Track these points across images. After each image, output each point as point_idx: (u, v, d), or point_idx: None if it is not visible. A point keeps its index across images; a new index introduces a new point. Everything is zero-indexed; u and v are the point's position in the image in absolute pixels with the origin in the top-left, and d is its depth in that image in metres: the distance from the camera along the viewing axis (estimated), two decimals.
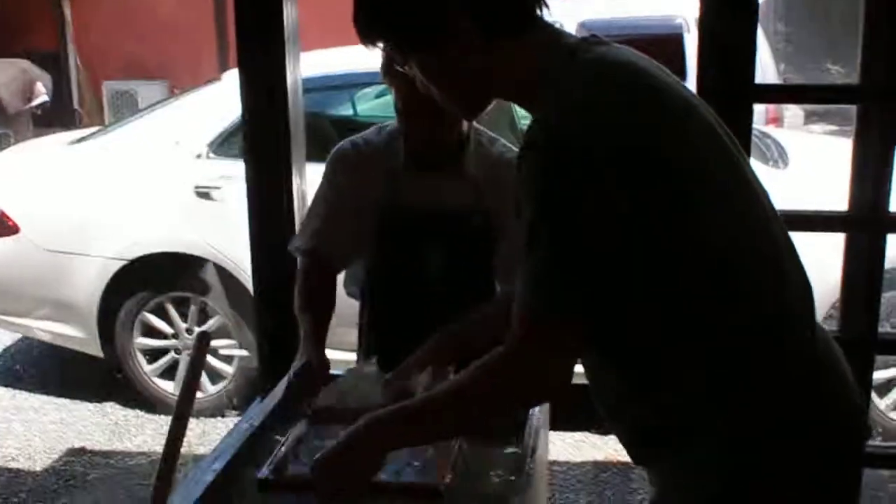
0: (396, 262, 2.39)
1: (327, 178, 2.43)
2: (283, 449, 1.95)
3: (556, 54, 1.53)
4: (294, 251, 2.43)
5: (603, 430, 4.41)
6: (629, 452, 1.65)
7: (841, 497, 1.58)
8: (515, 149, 2.38)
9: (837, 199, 2.50)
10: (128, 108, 12.89)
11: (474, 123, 2.37)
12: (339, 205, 2.38)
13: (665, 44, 8.27)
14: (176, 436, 1.71)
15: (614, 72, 1.51)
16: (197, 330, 4.95)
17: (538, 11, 1.57)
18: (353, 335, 2.53)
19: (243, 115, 2.68)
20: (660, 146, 1.44)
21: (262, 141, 2.65)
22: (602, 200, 1.39)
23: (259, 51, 2.59)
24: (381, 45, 1.62)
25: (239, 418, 2.31)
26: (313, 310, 2.30)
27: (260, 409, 2.19)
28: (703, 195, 1.47)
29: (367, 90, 5.41)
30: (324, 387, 2.14)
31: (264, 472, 1.88)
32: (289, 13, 2.58)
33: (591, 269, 1.40)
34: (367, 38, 1.62)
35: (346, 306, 2.51)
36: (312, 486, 1.64)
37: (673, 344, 1.49)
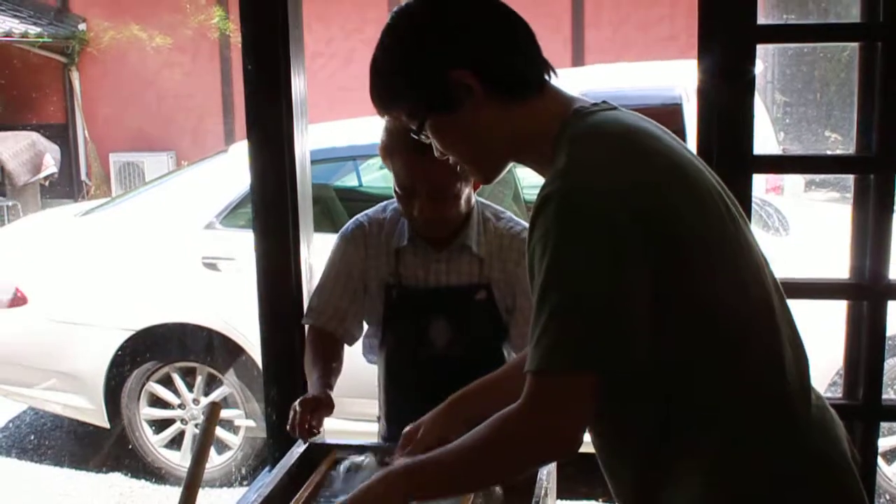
0: (405, 336, 2.44)
1: (336, 256, 2.48)
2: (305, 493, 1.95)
3: (569, 116, 1.57)
4: (305, 323, 2.49)
5: (610, 499, 4.38)
6: None
7: None
8: (521, 221, 2.43)
9: (838, 266, 2.53)
10: (134, 179, 13.04)
11: (479, 199, 2.42)
12: (343, 281, 2.44)
13: (664, 115, 8.35)
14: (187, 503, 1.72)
15: (626, 132, 1.55)
16: (205, 400, 4.96)
17: (546, 76, 1.62)
18: (368, 405, 2.56)
19: (252, 186, 2.71)
20: (673, 205, 1.47)
21: (270, 211, 2.68)
22: (618, 253, 1.41)
23: (267, 122, 2.63)
24: (396, 112, 1.66)
25: (247, 489, 2.31)
26: (318, 366, 2.36)
27: (269, 480, 2.19)
28: (710, 259, 1.49)
29: (372, 161, 5.48)
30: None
31: None
32: (297, 85, 2.64)
33: (604, 324, 1.40)
34: (382, 107, 1.67)
35: (362, 378, 2.56)
36: None
37: (675, 406, 1.51)
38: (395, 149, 2.24)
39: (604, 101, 1.62)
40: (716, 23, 2.34)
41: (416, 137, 1.68)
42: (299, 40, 2.64)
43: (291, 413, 2.20)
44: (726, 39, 2.34)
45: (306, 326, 2.51)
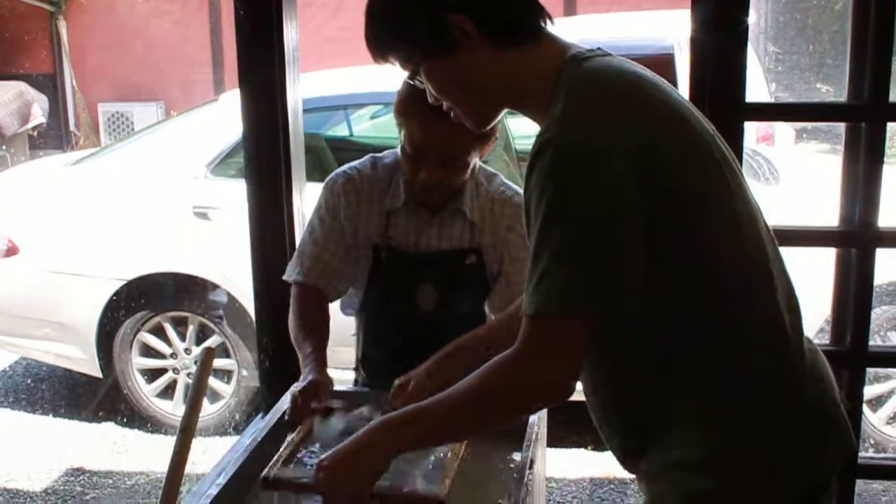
0: (390, 297, 2.40)
1: (323, 207, 2.41)
2: (286, 449, 1.98)
3: (565, 62, 1.57)
4: (289, 280, 2.42)
5: (599, 447, 4.44)
6: (617, 456, 1.69)
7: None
8: (511, 185, 2.42)
9: (828, 215, 2.55)
10: (123, 129, 12.96)
11: (480, 163, 2.37)
12: (335, 238, 2.38)
13: (656, 65, 8.27)
14: (182, 447, 1.74)
15: (622, 78, 1.55)
16: (197, 349, 5.00)
17: (543, 23, 1.62)
18: (348, 353, 2.56)
19: (244, 135, 2.70)
20: (668, 156, 1.47)
21: (262, 161, 2.68)
22: (614, 201, 1.42)
23: (260, 71, 2.61)
24: (392, 58, 1.66)
25: (240, 436, 2.34)
26: (311, 336, 2.30)
27: (263, 425, 2.22)
28: (705, 211, 1.51)
29: (363, 111, 5.47)
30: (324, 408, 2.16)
31: (267, 471, 1.91)
32: (289, 34, 2.62)
33: (599, 270, 1.42)
34: (378, 51, 1.66)
35: (342, 327, 2.52)
36: (315, 486, 1.67)
37: (668, 346, 1.53)
38: (414, 108, 2.15)
39: (598, 48, 1.62)
40: None
41: (436, 100, 1.67)
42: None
43: (291, 401, 2.14)
44: None
45: (292, 281, 2.42)
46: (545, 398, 1.55)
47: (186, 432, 1.76)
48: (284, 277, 2.44)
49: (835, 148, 8.36)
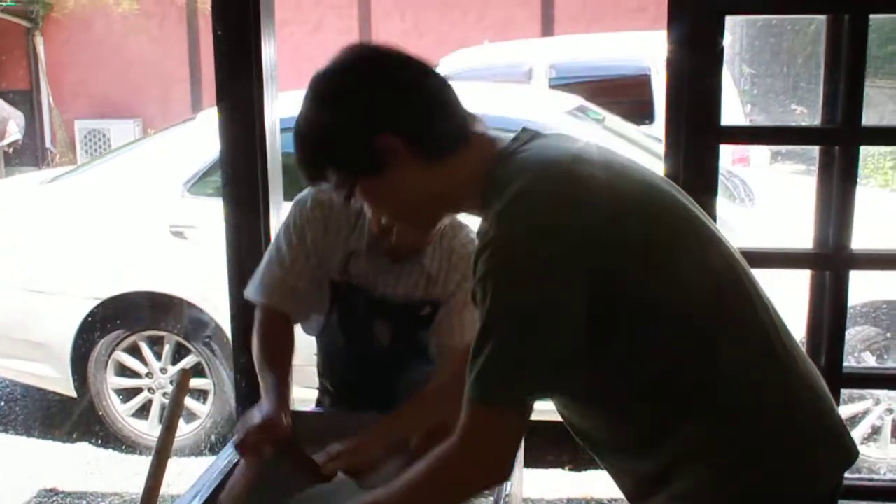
0: (345, 333, 2.38)
1: (291, 227, 2.33)
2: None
3: (496, 159, 1.59)
4: (252, 300, 2.36)
5: (577, 467, 4.44)
6: (625, 494, 1.70)
7: None
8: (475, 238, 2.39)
9: (803, 236, 2.57)
10: (100, 146, 12.91)
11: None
12: (301, 260, 2.30)
13: (633, 85, 8.42)
14: (157, 469, 1.73)
15: (552, 162, 1.56)
16: (173, 369, 4.97)
17: (471, 126, 1.63)
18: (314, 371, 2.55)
19: (221, 155, 2.69)
20: (609, 242, 1.48)
21: (240, 180, 2.66)
22: (551, 293, 1.45)
23: (238, 89, 2.60)
24: (326, 180, 1.65)
25: (216, 457, 2.32)
26: (274, 365, 2.23)
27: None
28: (672, 260, 1.52)
29: None
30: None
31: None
32: (268, 53, 2.61)
33: (534, 362, 1.47)
34: (311, 174, 1.66)
35: (311, 345, 2.49)
36: None
37: (657, 401, 1.54)
38: None
39: (523, 130, 1.63)
40: None
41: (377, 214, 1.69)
42: (270, 5, 2.62)
43: (242, 432, 2.03)
44: (695, 10, 2.35)
45: (256, 302, 2.34)
46: (487, 481, 1.60)
47: (162, 454, 1.76)
48: (247, 296, 2.37)
49: (809, 169, 8.44)
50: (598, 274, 1.45)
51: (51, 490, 4.62)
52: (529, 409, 1.52)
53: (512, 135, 1.62)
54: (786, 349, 1.60)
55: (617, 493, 1.72)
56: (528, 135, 1.62)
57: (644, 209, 1.54)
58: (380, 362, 2.36)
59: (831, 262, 2.47)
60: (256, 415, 2.06)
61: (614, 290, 1.46)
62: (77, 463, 4.94)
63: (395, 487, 1.60)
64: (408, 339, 2.35)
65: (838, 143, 2.42)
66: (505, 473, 1.54)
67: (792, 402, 1.58)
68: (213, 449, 4.88)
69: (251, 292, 2.35)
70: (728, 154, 6.52)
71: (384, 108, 1.57)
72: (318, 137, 1.62)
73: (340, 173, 1.63)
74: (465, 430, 1.51)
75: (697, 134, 2.37)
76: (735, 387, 1.53)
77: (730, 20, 2.40)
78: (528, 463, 2.59)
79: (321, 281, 2.33)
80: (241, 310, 2.68)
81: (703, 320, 1.53)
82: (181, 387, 1.84)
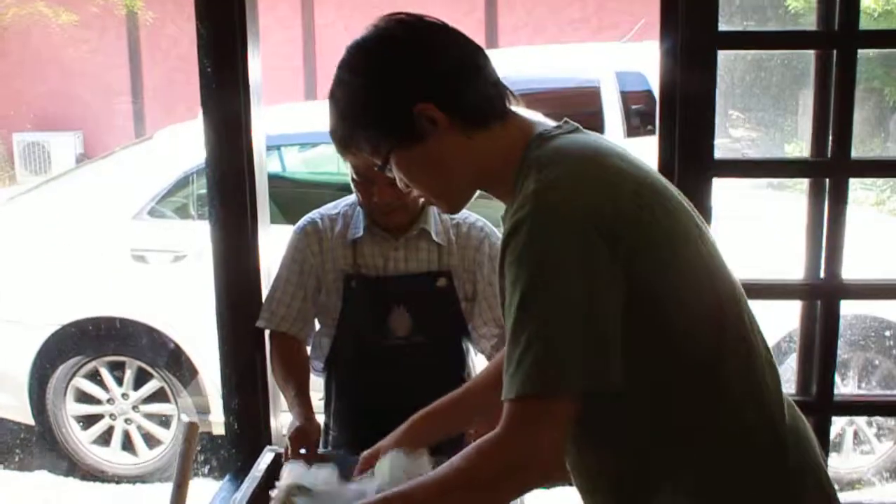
0: (363, 327, 2.42)
1: (291, 255, 2.47)
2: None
3: (532, 140, 1.57)
4: (263, 328, 2.52)
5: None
6: None
7: None
8: (472, 213, 2.44)
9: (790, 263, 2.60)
10: (40, 160, 12.66)
11: None
12: (303, 283, 2.45)
13: (582, 98, 8.43)
14: None
15: (592, 154, 1.55)
16: (134, 394, 4.89)
17: (507, 103, 1.62)
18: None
19: (208, 175, 2.61)
20: (641, 230, 1.47)
21: (228, 201, 2.59)
22: (591, 275, 1.41)
23: (224, 106, 2.53)
24: (359, 150, 1.63)
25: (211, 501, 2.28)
26: (291, 379, 2.37)
27: (240, 495, 2.10)
28: (679, 280, 1.51)
29: (293, 147, 5.41)
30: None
31: None
32: (254, 68, 2.54)
33: (581, 347, 1.40)
34: (343, 144, 1.65)
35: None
36: None
37: (655, 428, 1.53)
38: None
39: (565, 121, 1.63)
40: (678, 29, 2.36)
41: (406, 186, 1.65)
42: (255, 34, 2.57)
43: (283, 446, 2.22)
44: (688, 46, 2.37)
45: (266, 331, 2.53)
46: (533, 480, 1.49)
47: None
48: (258, 324, 2.50)
49: (770, 182, 8.53)
50: (630, 253, 1.43)
51: None
52: (576, 400, 1.43)
53: (552, 122, 1.62)
54: (776, 385, 1.60)
55: None
56: (570, 126, 1.61)
57: (666, 206, 1.54)
58: (397, 355, 2.39)
59: (823, 292, 2.50)
60: (289, 427, 2.24)
61: (639, 277, 1.44)
62: (36, 493, 4.80)
63: (434, 480, 1.52)
64: (426, 326, 2.39)
65: (829, 175, 2.45)
66: (554, 469, 1.45)
67: (782, 448, 1.57)
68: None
69: (262, 322, 2.50)
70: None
71: (422, 76, 1.55)
72: (355, 107, 1.59)
73: (375, 143, 1.59)
74: (509, 422, 1.43)
75: (691, 168, 2.39)
76: (721, 429, 1.52)
77: (722, 55, 2.40)
78: None
79: (319, 300, 2.48)
80: (231, 349, 2.62)
81: (703, 342, 1.51)
82: (189, 441, 1.78)
